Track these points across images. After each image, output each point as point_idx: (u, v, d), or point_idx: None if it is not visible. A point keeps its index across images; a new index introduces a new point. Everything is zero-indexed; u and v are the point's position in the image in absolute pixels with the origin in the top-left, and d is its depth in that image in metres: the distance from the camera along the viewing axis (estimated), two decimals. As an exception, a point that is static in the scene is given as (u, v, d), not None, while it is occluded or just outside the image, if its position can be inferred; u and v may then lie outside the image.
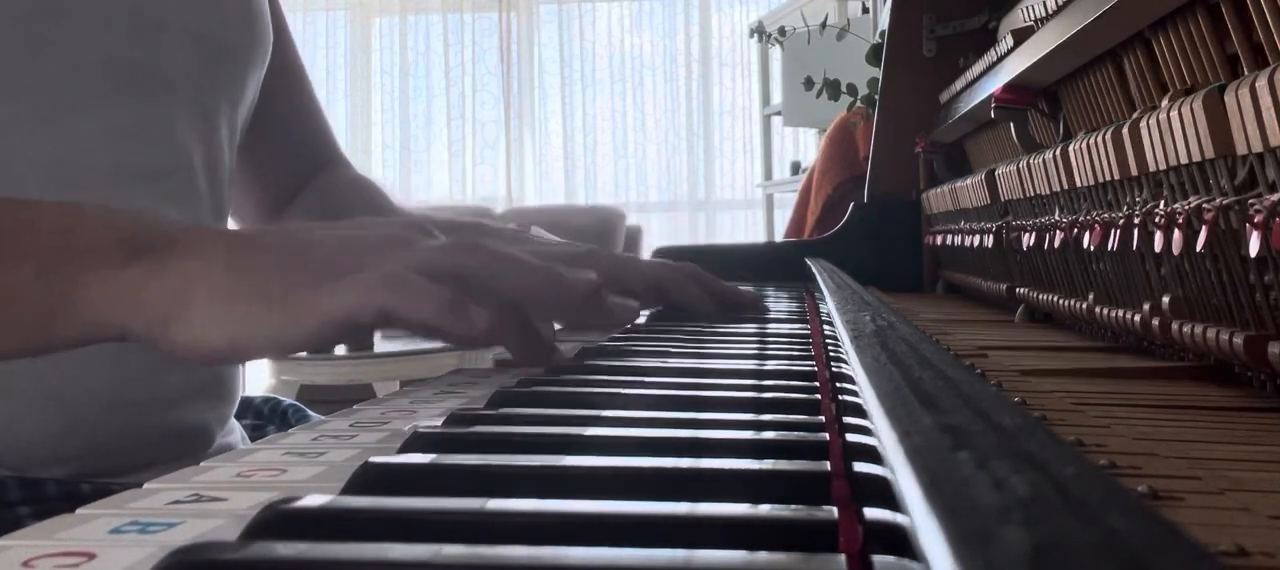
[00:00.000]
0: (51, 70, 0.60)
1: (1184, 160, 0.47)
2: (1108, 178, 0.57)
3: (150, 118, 0.64)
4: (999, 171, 0.82)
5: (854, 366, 0.36)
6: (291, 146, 0.86)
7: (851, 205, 1.24)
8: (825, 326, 0.60)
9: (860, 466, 0.24)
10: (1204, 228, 0.45)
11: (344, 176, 0.90)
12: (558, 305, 0.51)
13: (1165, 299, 0.53)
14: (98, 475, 0.63)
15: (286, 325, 0.42)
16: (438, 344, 2.87)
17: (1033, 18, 0.73)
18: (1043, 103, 0.78)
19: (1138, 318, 0.56)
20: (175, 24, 0.66)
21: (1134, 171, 0.53)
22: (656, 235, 4.68)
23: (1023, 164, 0.74)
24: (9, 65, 0.58)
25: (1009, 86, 0.78)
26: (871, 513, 0.21)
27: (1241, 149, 0.42)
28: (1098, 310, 0.63)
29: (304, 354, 2.86)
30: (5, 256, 0.42)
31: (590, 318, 0.56)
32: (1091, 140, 0.58)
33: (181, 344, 0.42)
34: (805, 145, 4.38)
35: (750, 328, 0.65)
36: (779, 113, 3.94)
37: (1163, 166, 0.49)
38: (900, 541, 0.20)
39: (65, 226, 0.44)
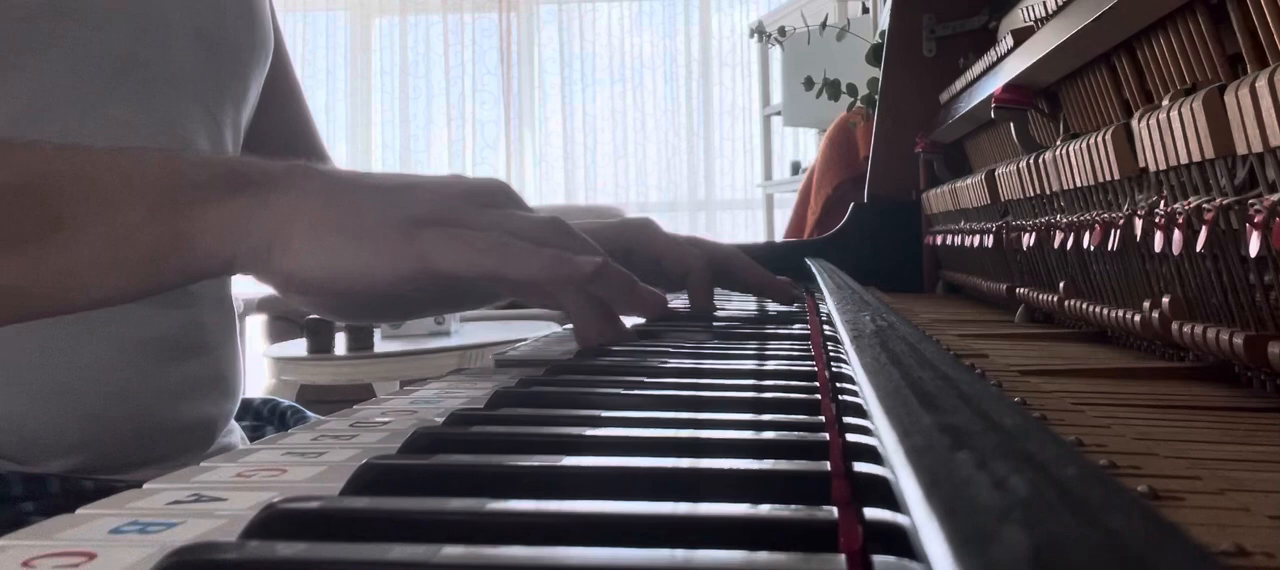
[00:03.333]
0: (58, 67, 0.60)
1: (1184, 160, 0.47)
2: (1108, 178, 0.57)
3: (156, 115, 0.64)
4: (999, 171, 0.82)
5: (854, 366, 0.36)
6: (285, 150, 0.86)
7: (851, 205, 1.24)
8: (825, 326, 0.60)
9: (860, 466, 0.24)
10: (1204, 228, 0.45)
11: None
12: (621, 303, 0.54)
13: (1165, 299, 0.53)
14: (102, 470, 0.63)
15: (380, 261, 0.44)
16: (439, 340, 2.86)
17: (1033, 18, 0.73)
18: (1043, 103, 0.78)
19: (1138, 317, 0.56)
20: (180, 22, 0.66)
21: (1134, 171, 0.53)
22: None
23: (1023, 164, 0.74)
24: (16, 62, 0.59)
25: (1009, 86, 0.78)
26: (871, 513, 0.21)
27: (1241, 149, 0.42)
28: (1097, 310, 0.63)
29: (304, 353, 2.86)
30: (119, 198, 0.43)
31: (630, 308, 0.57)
32: (1091, 140, 0.58)
33: (282, 271, 0.44)
34: (805, 145, 4.38)
35: (751, 327, 0.65)
36: (779, 113, 3.94)
37: (1163, 166, 0.49)
38: (900, 541, 0.20)
39: (170, 168, 0.45)
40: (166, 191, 0.44)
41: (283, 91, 0.84)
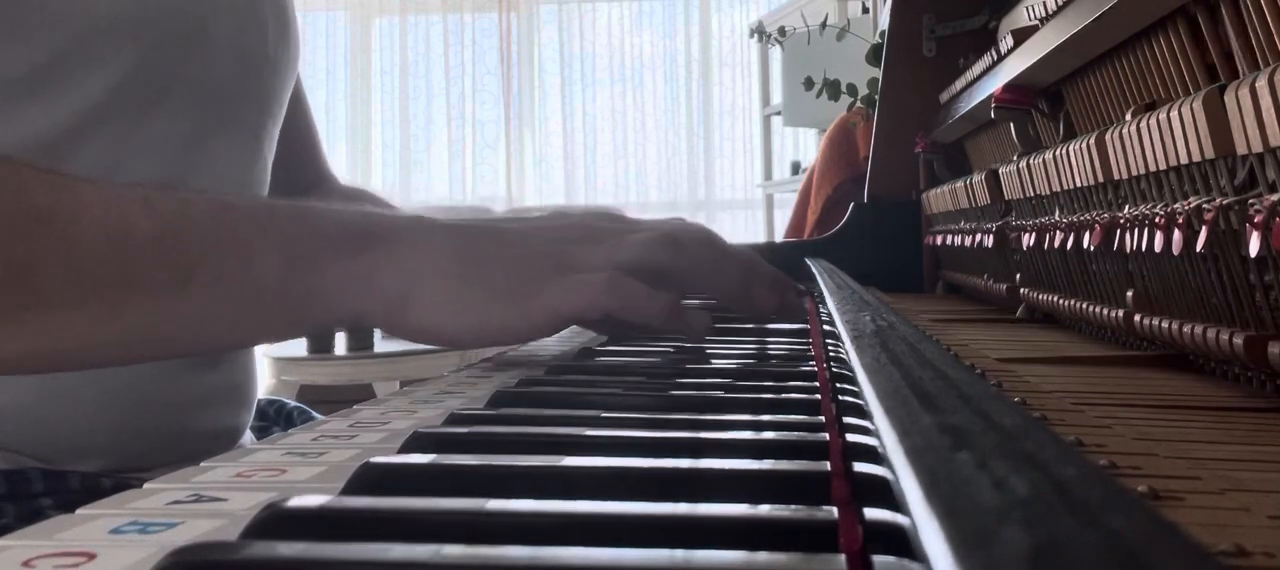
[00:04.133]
0: (104, 86, 0.60)
1: (1184, 160, 0.47)
2: (1107, 178, 0.57)
3: (196, 133, 0.65)
4: (999, 171, 0.82)
5: (854, 366, 0.36)
6: (295, 159, 0.87)
7: (851, 205, 1.24)
8: (825, 326, 0.60)
9: (860, 466, 0.24)
10: (1204, 228, 0.45)
11: (340, 189, 0.92)
12: (746, 311, 0.57)
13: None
14: (124, 471, 0.63)
15: (518, 317, 0.46)
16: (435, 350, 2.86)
17: (1033, 18, 0.73)
18: (1043, 103, 0.78)
19: (1137, 317, 0.56)
20: (223, 43, 0.66)
21: (1133, 172, 0.53)
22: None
23: (1023, 164, 0.74)
24: (64, 82, 0.59)
25: (1009, 86, 0.78)
26: (871, 513, 0.21)
27: (1241, 149, 0.42)
28: (1098, 310, 0.63)
29: (304, 353, 2.86)
30: (256, 248, 0.45)
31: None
32: (1092, 140, 0.58)
33: (416, 326, 0.46)
34: (805, 145, 4.38)
35: (751, 327, 0.65)
36: (779, 113, 3.94)
37: (1162, 167, 0.49)
38: (900, 541, 0.20)
39: (302, 219, 0.47)
40: (299, 245, 0.45)
41: (293, 103, 0.85)
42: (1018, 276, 0.84)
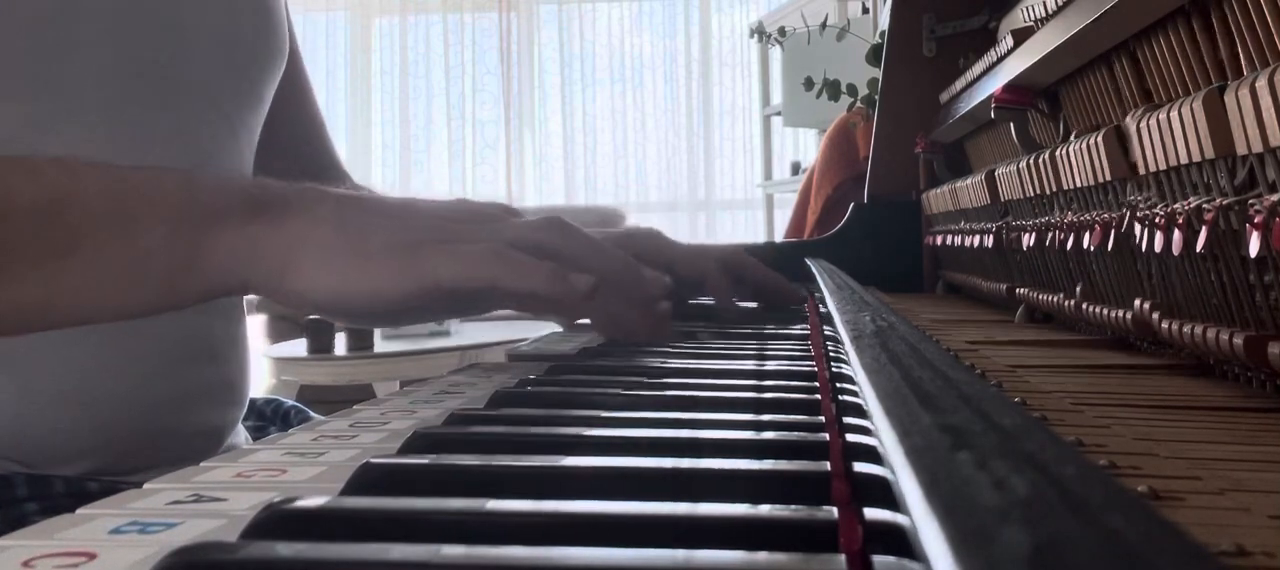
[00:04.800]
0: (78, 72, 0.60)
1: (1184, 160, 0.47)
2: (1107, 178, 0.57)
3: (172, 119, 0.65)
4: (999, 171, 0.82)
5: (854, 366, 0.36)
6: (296, 157, 0.87)
7: (851, 205, 1.24)
8: (825, 326, 0.60)
9: (860, 466, 0.24)
10: (1204, 228, 0.45)
11: (348, 184, 0.91)
12: (633, 295, 0.56)
13: (1153, 300, 0.53)
14: (109, 473, 0.63)
15: (387, 281, 0.46)
16: (439, 340, 2.86)
17: (1033, 18, 0.73)
18: (1043, 103, 0.78)
19: (1137, 317, 0.56)
20: (197, 28, 0.66)
21: (1133, 172, 0.53)
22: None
23: (1023, 164, 0.74)
24: (35, 64, 0.59)
25: (1009, 86, 0.78)
26: (871, 513, 0.21)
27: (1241, 149, 0.42)
28: (1098, 310, 0.63)
29: (304, 353, 2.86)
30: (141, 218, 0.45)
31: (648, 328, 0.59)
32: (1090, 140, 0.58)
33: (293, 293, 0.46)
34: (805, 145, 4.38)
35: (751, 328, 0.65)
36: (779, 113, 3.94)
37: (1163, 166, 0.49)
38: (900, 541, 0.20)
39: (189, 190, 0.47)
40: (185, 214, 0.46)
41: (294, 93, 0.84)
42: (1016, 276, 0.84)
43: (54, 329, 0.46)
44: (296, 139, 0.87)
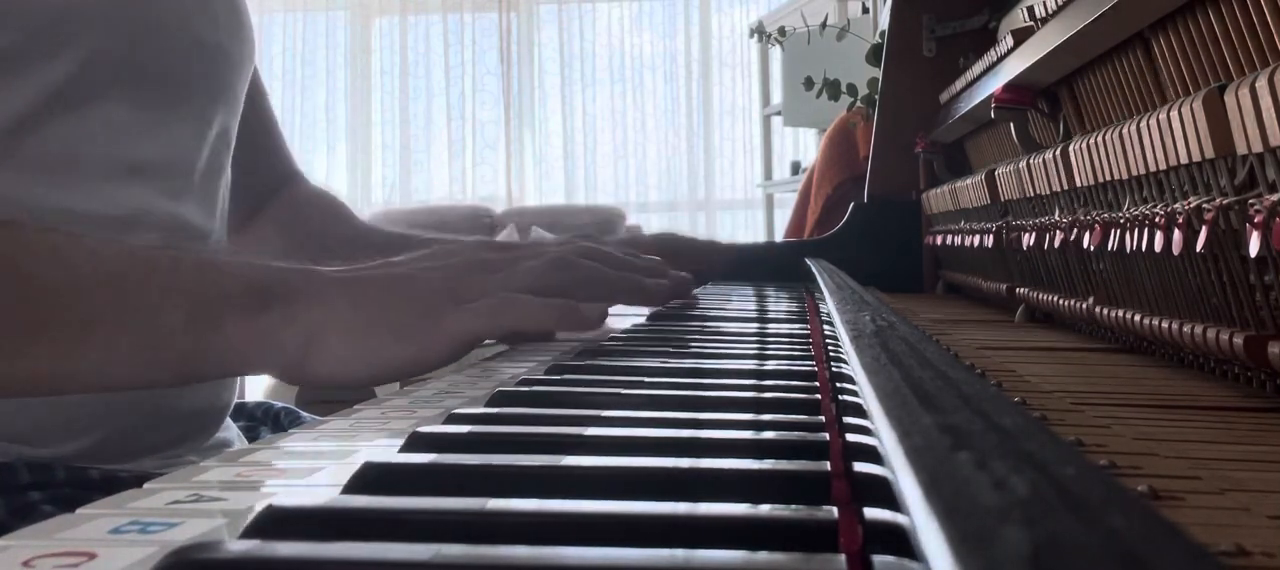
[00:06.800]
0: (58, 73, 0.61)
1: (1184, 160, 0.47)
2: (1107, 178, 0.57)
3: (149, 119, 0.65)
4: (999, 171, 0.82)
5: (854, 366, 0.36)
6: (260, 159, 0.87)
7: (851, 205, 1.24)
8: (825, 326, 0.60)
9: (860, 466, 0.24)
10: (1204, 228, 0.45)
11: (306, 190, 0.93)
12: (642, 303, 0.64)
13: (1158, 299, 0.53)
14: (106, 456, 0.64)
15: (423, 350, 0.49)
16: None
17: (1033, 18, 0.73)
18: (1043, 103, 0.78)
19: (1137, 317, 0.56)
20: (175, 29, 0.67)
21: (1134, 172, 0.53)
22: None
23: (1023, 164, 0.74)
24: (18, 70, 0.60)
25: (1009, 86, 0.78)
26: (871, 513, 0.21)
27: (1241, 149, 0.42)
28: (1098, 310, 0.63)
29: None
30: (158, 304, 0.47)
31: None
32: (1091, 140, 0.58)
33: (323, 377, 0.48)
34: (805, 145, 4.38)
35: (751, 328, 0.65)
36: (779, 113, 3.94)
37: (1163, 166, 0.49)
38: (900, 541, 0.20)
39: (205, 275, 0.49)
40: (201, 303, 0.47)
41: (253, 93, 0.85)
42: (1016, 276, 0.84)
43: (59, 395, 0.49)
44: (262, 147, 0.88)
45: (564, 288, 0.54)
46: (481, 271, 0.53)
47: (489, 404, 0.38)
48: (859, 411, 0.32)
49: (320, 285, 0.50)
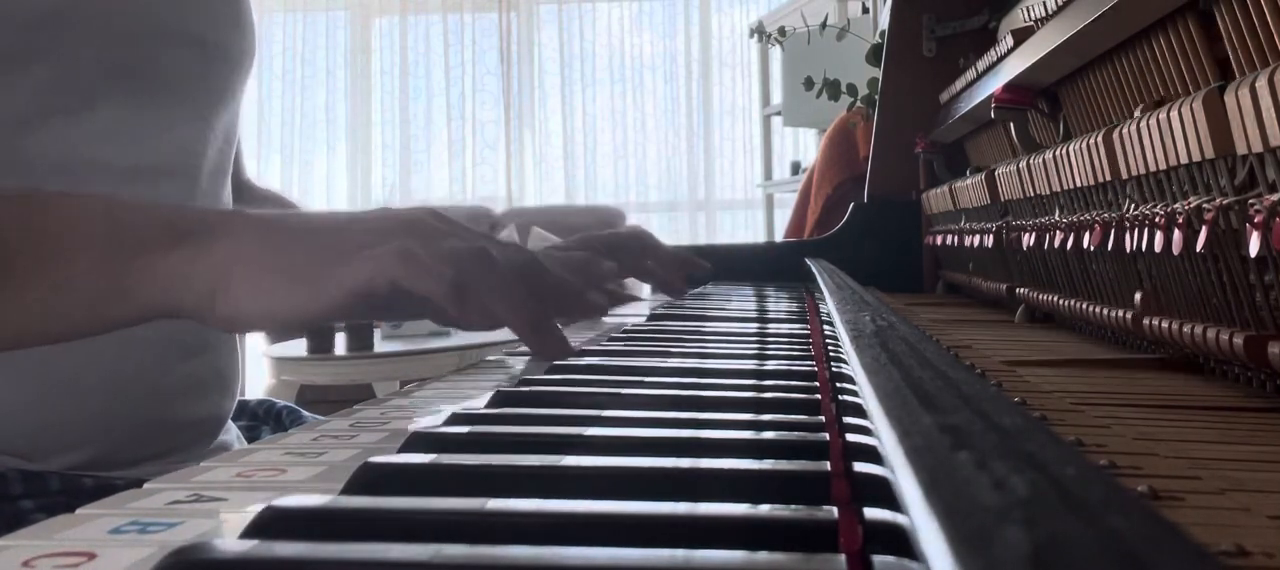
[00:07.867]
0: (54, 73, 0.61)
1: (1184, 160, 0.47)
2: (1107, 178, 0.57)
3: (147, 119, 0.65)
4: (999, 171, 0.82)
5: (854, 366, 0.36)
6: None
7: (851, 205, 1.24)
8: (825, 326, 0.60)
9: (860, 466, 0.24)
10: (1204, 228, 0.45)
11: (257, 188, 0.93)
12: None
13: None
14: (102, 466, 0.63)
15: (311, 298, 0.47)
16: (439, 340, 2.87)
17: (1033, 18, 0.73)
18: (1043, 103, 0.78)
19: (1136, 317, 0.56)
20: (174, 29, 0.67)
21: (1133, 172, 0.53)
22: (657, 235, 4.67)
23: (1023, 164, 0.74)
24: (13, 69, 0.59)
25: (1009, 86, 0.78)
26: (871, 513, 0.21)
27: (1241, 149, 0.42)
28: (1097, 310, 0.63)
29: (304, 353, 2.86)
30: (65, 247, 0.46)
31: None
32: (1091, 141, 0.58)
33: (224, 317, 0.47)
34: (805, 145, 4.38)
35: (751, 327, 0.65)
36: (779, 113, 3.93)
37: (1162, 166, 0.49)
38: (900, 541, 0.20)
39: (114, 217, 0.48)
40: (110, 243, 0.46)
41: None
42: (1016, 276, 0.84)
43: None
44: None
45: (471, 281, 0.49)
46: (406, 230, 0.49)
47: (489, 404, 0.38)
48: (859, 411, 0.32)
49: (237, 226, 0.49)
